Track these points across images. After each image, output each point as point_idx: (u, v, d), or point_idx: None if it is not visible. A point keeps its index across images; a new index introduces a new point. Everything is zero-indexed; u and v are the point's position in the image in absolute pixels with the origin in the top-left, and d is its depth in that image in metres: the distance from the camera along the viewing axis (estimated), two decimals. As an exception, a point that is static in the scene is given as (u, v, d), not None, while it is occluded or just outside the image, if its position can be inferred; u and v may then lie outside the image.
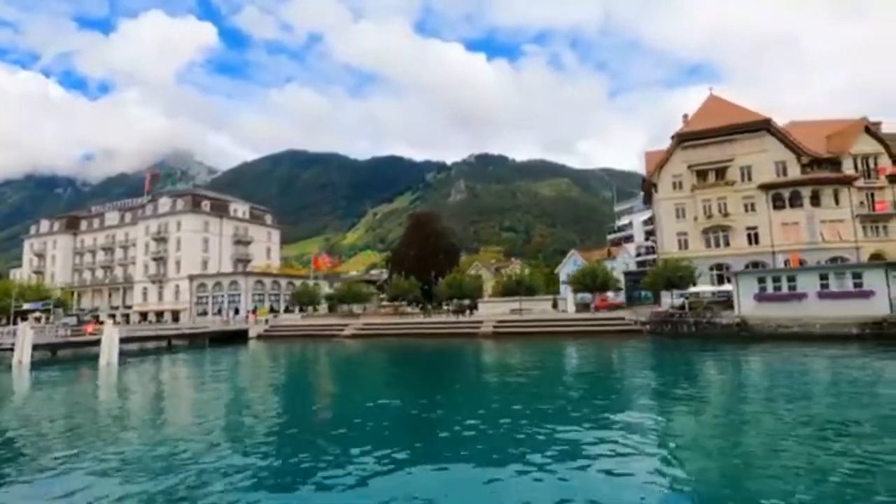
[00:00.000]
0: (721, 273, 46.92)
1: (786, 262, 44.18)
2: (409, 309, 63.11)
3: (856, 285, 30.57)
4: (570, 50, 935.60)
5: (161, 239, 72.04)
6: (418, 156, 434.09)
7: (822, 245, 45.27)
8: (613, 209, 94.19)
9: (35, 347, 30.67)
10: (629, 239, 78.09)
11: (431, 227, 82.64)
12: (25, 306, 48.35)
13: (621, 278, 58.52)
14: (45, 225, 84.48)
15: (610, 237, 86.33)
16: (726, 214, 48.30)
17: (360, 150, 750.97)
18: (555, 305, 54.76)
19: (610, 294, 53.52)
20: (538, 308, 53.84)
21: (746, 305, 33.72)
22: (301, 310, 61.09)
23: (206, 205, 74.57)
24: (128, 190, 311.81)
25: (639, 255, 72.02)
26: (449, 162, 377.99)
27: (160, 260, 71.83)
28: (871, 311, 29.26)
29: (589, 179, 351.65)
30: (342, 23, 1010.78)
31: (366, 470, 9.04)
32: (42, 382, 23.60)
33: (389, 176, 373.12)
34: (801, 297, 31.98)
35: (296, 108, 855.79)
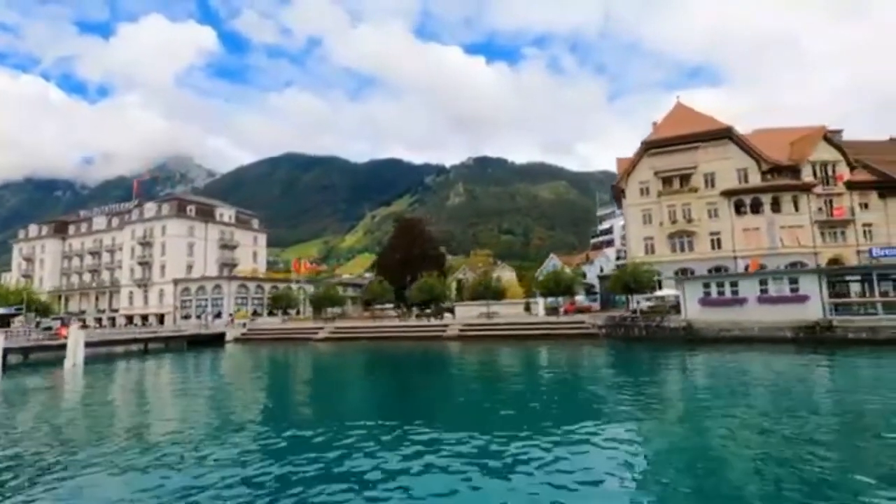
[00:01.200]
0: (686, 277, 48.32)
1: (746, 267, 45.58)
2: (392, 312, 64.82)
3: (792, 290, 32.02)
4: (569, 53, 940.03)
5: (146, 243, 73.93)
6: (417, 158, 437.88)
7: (782, 250, 46.73)
8: (597, 213, 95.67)
9: (8, 351, 32.25)
10: (610, 243, 79.58)
11: (417, 232, 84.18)
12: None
13: (597, 282, 60.09)
14: (33, 229, 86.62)
15: (593, 241, 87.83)
16: (690, 220, 49.81)
17: (360, 152, 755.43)
18: (527, 309, 56.18)
19: (579, 298, 55.01)
20: (511, 311, 55.38)
21: (692, 310, 35.18)
22: (285, 313, 62.74)
23: (191, 210, 76.40)
24: (127, 193, 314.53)
25: (618, 258, 73.48)
26: (448, 165, 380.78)
27: (145, 264, 73.70)
28: (806, 315, 30.72)
29: (588, 182, 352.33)
30: (341, 26, 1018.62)
31: (293, 478, 9.26)
32: (6, 382, 25.13)
33: (388, 179, 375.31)
34: (742, 301, 33.45)
35: (295, 111, 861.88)
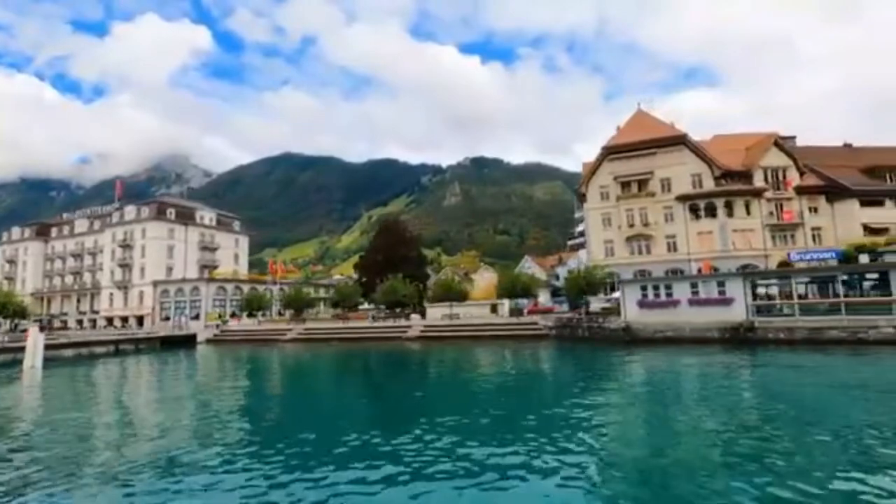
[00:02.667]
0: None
1: (699, 270, 47.36)
2: (373, 313, 66.60)
3: (720, 293, 33.79)
4: (565, 53, 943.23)
5: (127, 246, 75.98)
6: (414, 158, 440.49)
7: (734, 253, 48.50)
8: (575, 215, 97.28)
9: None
10: (584, 245, 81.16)
11: (398, 234, 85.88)
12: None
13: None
14: (16, 232, 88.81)
15: (570, 242, 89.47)
16: (647, 224, 51.62)
17: (357, 152, 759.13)
18: (494, 310, 58.00)
19: (542, 300, 56.81)
20: (479, 312, 57.25)
21: (631, 311, 36.96)
22: (251, 315, 64.58)
23: (170, 212, 78.40)
24: (123, 194, 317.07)
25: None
26: (444, 165, 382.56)
27: (126, 266, 75.73)
28: (731, 317, 32.56)
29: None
30: (335, 25, 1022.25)
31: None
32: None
33: (385, 179, 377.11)
34: (676, 303, 35.24)
35: (291, 110, 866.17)
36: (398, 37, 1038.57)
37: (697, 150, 50.70)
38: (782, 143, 49.83)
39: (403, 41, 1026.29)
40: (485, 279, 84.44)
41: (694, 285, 35.08)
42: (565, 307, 59.39)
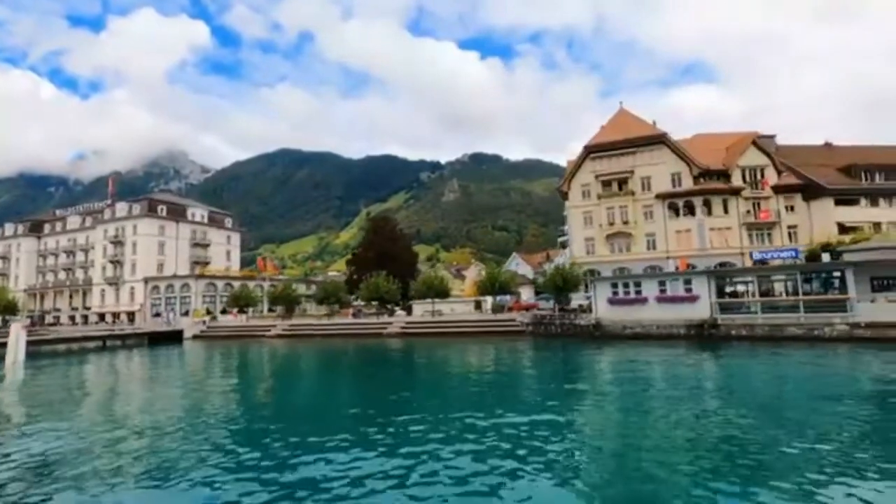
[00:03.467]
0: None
1: (676, 268, 48.34)
2: (366, 309, 67.66)
3: (686, 291, 34.83)
4: (564, 50, 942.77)
5: (118, 242, 77.12)
6: (412, 155, 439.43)
7: (711, 251, 49.55)
8: (564, 212, 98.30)
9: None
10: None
11: (389, 232, 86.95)
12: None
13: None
14: (9, 228, 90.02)
15: (560, 239, 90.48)
16: (627, 222, 52.68)
17: (355, 149, 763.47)
18: (478, 307, 59.08)
19: (525, 296, 57.86)
20: (463, 309, 58.39)
21: (601, 308, 38.02)
22: (242, 311, 65.66)
23: (162, 209, 79.51)
24: (121, 190, 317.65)
25: (579, 258, 76.18)
26: (443, 161, 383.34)
27: (117, 263, 76.89)
28: (696, 315, 33.64)
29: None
30: (331, 21, 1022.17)
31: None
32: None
33: (383, 175, 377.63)
34: (644, 301, 36.28)
35: (290, 107, 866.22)
36: (396, 33, 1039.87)
37: (677, 150, 51.63)
38: (760, 143, 50.70)
39: (401, 38, 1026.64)
40: (476, 276, 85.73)
41: (662, 283, 36.12)
42: (552, 304, 60.55)
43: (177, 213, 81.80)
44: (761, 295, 32.65)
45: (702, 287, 34.16)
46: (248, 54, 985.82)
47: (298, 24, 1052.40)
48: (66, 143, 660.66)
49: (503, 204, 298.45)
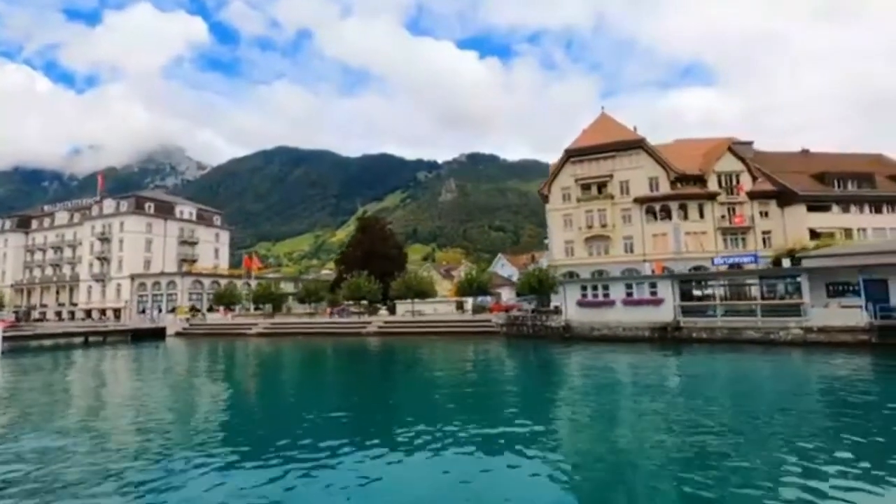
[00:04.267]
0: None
1: (652, 271, 49.33)
2: (353, 309, 68.60)
3: (651, 294, 35.79)
4: (563, 50, 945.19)
5: (105, 239, 77.98)
6: (410, 154, 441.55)
7: (686, 254, 50.52)
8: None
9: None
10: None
11: (378, 231, 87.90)
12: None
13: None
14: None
15: (546, 241, 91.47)
16: (605, 225, 53.65)
17: (352, 147, 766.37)
18: (460, 307, 59.97)
19: (505, 297, 58.83)
20: (446, 309, 59.28)
21: (571, 310, 38.98)
22: (236, 309, 66.54)
23: (149, 206, 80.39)
24: (116, 184, 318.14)
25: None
26: (440, 161, 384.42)
27: (104, 259, 77.74)
28: (661, 317, 34.61)
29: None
30: (330, 19, 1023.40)
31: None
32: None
33: (381, 174, 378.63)
34: (611, 303, 37.23)
35: (287, 104, 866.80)
36: (394, 32, 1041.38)
37: (654, 155, 52.62)
38: (736, 149, 51.71)
39: (400, 36, 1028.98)
40: (464, 276, 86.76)
41: (629, 286, 37.06)
42: (534, 304, 61.54)
43: (164, 211, 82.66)
44: (722, 299, 33.66)
45: (666, 291, 35.12)
46: (247, 51, 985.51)
47: (297, 21, 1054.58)
48: (61, 137, 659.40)
49: (500, 204, 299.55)
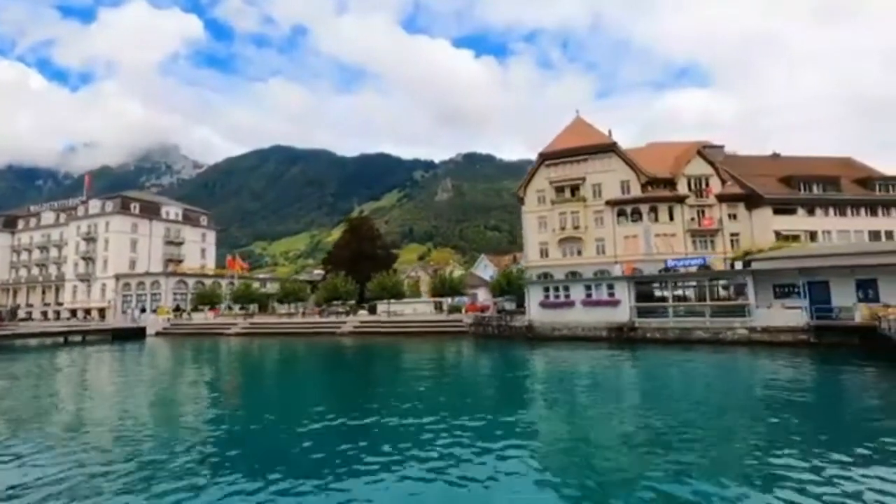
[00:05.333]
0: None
1: (622, 272, 50.64)
2: (339, 309, 69.96)
3: (609, 295, 37.16)
4: (559, 50, 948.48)
5: (90, 239, 79.38)
6: (406, 153, 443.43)
7: (656, 256, 51.70)
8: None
9: None
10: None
11: (365, 232, 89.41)
12: None
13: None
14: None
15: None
16: (577, 227, 54.96)
17: (349, 146, 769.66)
18: (438, 307, 61.30)
19: (481, 297, 60.16)
20: (424, 309, 60.62)
21: (534, 311, 40.35)
22: (217, 308, 67.91)
23: (135, 207, 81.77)
24: (111, 183, 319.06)
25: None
26: (437, 160, 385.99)
27: (89, 259, 79.13)
28: (617, 318, 36.00)
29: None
30: (325, 16, 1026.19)
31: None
32: None
33: (377, 173, 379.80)
34: (571, 304, 38.63)
35: (284, 102, 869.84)
36: (390, 29, 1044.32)
37: (626, 158, 53.96)
38: (706, 153, 53.05)
39: (396, 34, 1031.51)
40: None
41: (588, 288, 38.47)
42: (514, 305, 62.91)
43: (150, 211, 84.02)
44: (676, 300, 35.03)
45: (623, 292, 36.51)
46: (242, 48, 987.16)
47: (291, 17, 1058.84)
48: (56, 135, 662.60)
49: (496, 204, 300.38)
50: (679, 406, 15.86)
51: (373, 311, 62.16)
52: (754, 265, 34.13)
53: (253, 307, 71.57)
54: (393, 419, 14.35)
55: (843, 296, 30.03)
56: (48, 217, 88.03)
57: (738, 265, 36.05)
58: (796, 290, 31.66)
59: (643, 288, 36.72)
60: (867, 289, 30.13)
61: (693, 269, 38.26)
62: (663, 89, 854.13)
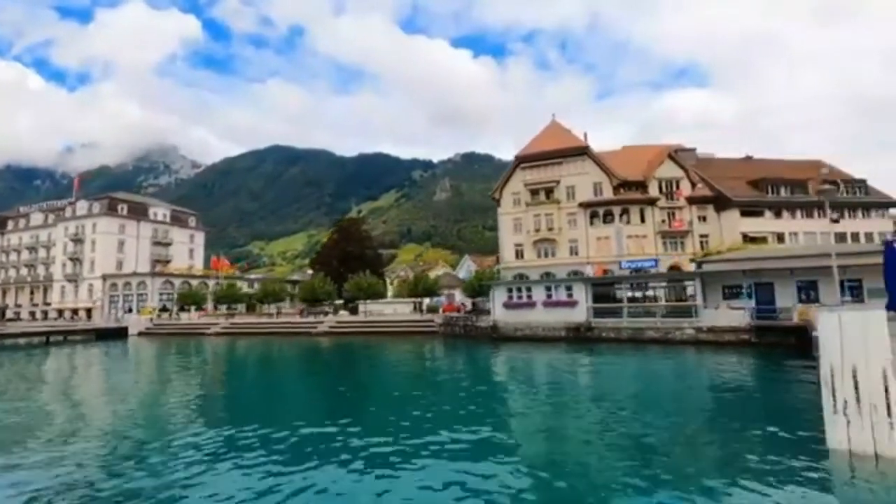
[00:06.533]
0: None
1: (594, 273, 51.97)
2: (327, 308, 71.39)
3: (568, 296, 38.45)
4: (558, 50, 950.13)
5: (78, 240, 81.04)
6: (405, 153, 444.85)
7: (628, 257, 53.08)
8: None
9: None
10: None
11: (353, 234, 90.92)
12: None
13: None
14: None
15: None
16: (551, 229, 56.29)
17: (348, 146, 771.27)
18: (416, 308, 62.65)
19: (458, 298, 61.53)
20: (404, 309, 61.99)
21: (498, 311, 41.63)
22: (193, 309, 69.43)
23: (122, 208, 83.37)
24: (110, 183, 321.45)
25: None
26: (435, 160, 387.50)
27: (76, 260, 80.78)
28: (575, 318, 37.29)
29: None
30: (323, 16, 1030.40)
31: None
32: None
33: (375, 173, 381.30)
34: (533, 305, 39.92)
35: (282, 102, 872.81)
36: (388, 30, 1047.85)
37: (598, 161, 55.28)
38: (678, 156, 54.29)
39: (394, 34, 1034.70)
40: (445, 275, 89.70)
41: (549, 289, 39.76)
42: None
43: (138, 212, 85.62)
44: (630, 301, 36.33)
45: (580, 293, 37.80)
46: (240, 48, 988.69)
47: (289, 18, 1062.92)
48: (54, 135, 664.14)
49: (494, 204, 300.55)
50: (622, 403, 16.92)
51: (354, 311, 63.58)
52: (705, 267, 35.41)
53: (241, 307, 73.35)
54: (329, 419, 14.72)
55: (786, 297, 31.39)
56: (37, 218, 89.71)
57: (692, 267, 37.31)
58: (743, 291, 32.95)
59: (601, 289, 37.99)
60: (809, 290, 31.46)
61: (650, 271, 39.47)
62: (662, 89, 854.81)
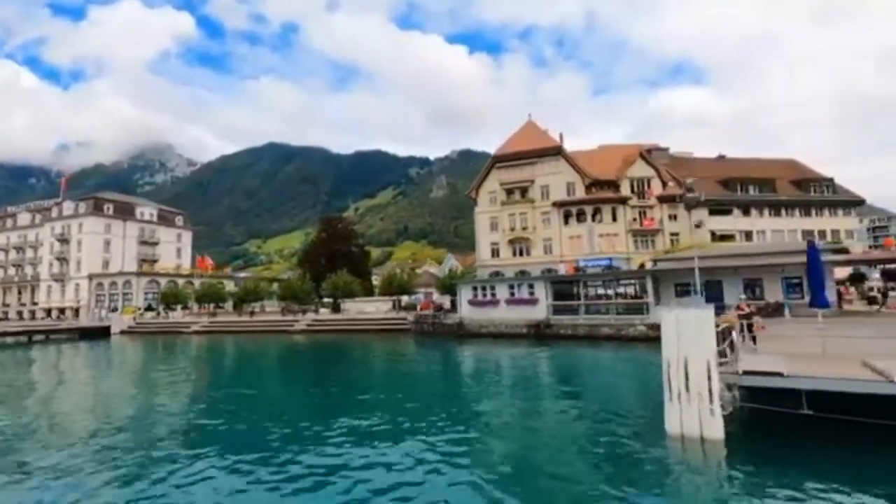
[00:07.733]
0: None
1: (566, 271, 53.22)
2: (310, 307, 72.67)
3: (529, 294, 39.71)
4: (554, 47, 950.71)
5: (64, 240, 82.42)
6: (402, 151, 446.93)
7: (600, 255, 54.30)
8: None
9: None
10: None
11: (340, 231, 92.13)
12: None
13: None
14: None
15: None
16: (526, 227, 57.54)
17: (344, 143, 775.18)
18: (395, 305, 63.87)
19: (435, 296, 62.76)
20: (384, 307, 63.22)
21: (464, 309, 42.93)
22: (175, 308, 70.80)
23: (108, 208, 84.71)
24: (104, 181, 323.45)
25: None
26: (432, 157, 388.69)
27: (63, 260, 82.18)
28: (535, 316, 38.56)
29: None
30: (317, 13, 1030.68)
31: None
32: None
33: (372, 171, 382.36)
34: (497, 302, 41.20)
35: (277, 100, 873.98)
36: (383, 27, 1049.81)
37: (571, 161, 56.46)
38: (647, 156, 55.48)
39: (389, 31, 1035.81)
40: (424, 273, 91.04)
41: (511, 287, 41.01)
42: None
43: (124, 212, 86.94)
44: (587, 298, 37.59)
45: (541, 291, 39.07)
46: (234, 46, 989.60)
47: (283, 15, 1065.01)
48: (48, 133, 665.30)
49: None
50: (566, 392, 18.38)
51: (337, 309, 64.86)
52: (659, 265, 36.65)
53: (227, 306, 74.63)
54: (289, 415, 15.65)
55: (733, 294, 32.49)
56: (24, 218, 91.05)
57: (649, 265, 38.54)
58: (694, 288, 34.14)
59: (560, 287, 39.22)
60: (754, 287, 32.76)
61: (600, 270, 40.71)
62: (660, 87, 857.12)
